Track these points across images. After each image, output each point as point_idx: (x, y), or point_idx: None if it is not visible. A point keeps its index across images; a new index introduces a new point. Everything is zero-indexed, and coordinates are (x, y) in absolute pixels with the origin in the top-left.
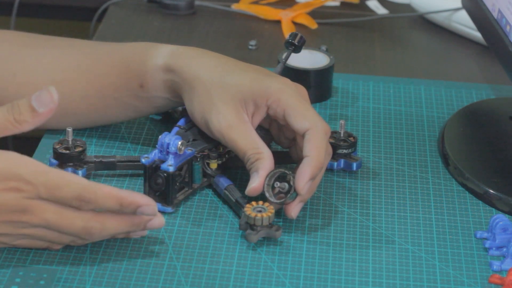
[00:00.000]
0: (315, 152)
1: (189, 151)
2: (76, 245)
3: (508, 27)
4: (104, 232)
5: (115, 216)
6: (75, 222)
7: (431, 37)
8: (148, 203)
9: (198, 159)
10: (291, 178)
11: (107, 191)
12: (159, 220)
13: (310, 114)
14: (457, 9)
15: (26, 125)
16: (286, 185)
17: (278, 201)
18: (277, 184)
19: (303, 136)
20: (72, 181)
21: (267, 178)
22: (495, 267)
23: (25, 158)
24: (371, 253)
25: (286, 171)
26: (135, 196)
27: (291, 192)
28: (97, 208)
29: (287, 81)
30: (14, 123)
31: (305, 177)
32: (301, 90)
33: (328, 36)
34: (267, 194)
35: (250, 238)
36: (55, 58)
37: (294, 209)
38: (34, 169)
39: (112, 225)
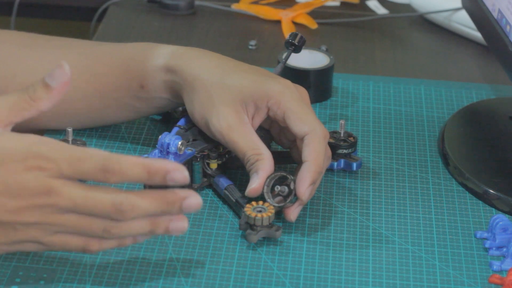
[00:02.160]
0: (314, 157)
1: (189, 151)
2: (111, 242)
3: (508, 27)
4: (136, 211)
5: (144, 192)
6: (103, 199)
7: (431, 37)
8: (176, 168)
9: (198, 159)
10: (291, 181)
11: (131, 159)
12: (195, 199)
13: (309, 118)
14: (457, 9)
15: (42, 103)
16: (286, 188)
17: (278, 204)
18: (277, 187)
19: (302, 140)
20: (94, 153)
21: (267, 181)
22: (495, 267)
23: (43, 137)
24: (371, 253)
25: (286, 174)
26: (162, 162)
27: (291, 196)
28: (123, 179)
29: (288, 83)
30: (30, 102)
31: (306, 182)
32: (302, 92)
33: (328, 36)
34: (266, 197)
35: (250, 238)
36: (55, 58)
37: (293, 212)
38: (54, 145)
39: (143, 203)
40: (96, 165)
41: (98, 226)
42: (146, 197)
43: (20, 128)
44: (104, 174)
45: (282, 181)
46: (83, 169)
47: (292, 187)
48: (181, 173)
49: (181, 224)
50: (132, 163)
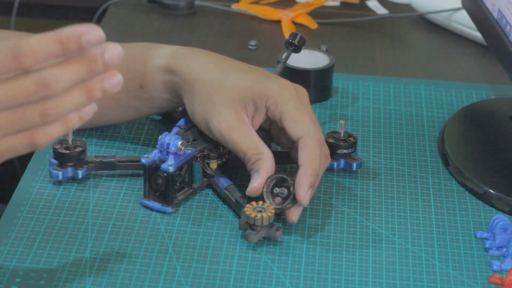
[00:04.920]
0: (309, 161)
1: (189, 151)
2: (56, 126)
3: (508, 27)
4: (62, 80)
5: (64, 61)
6: (25, 82)
7: (431, 37)
8: (89, 28)
9: (198, 159)
10: (291, 184)
11: (39, 36)
12: (113, 48)
13: (304, 120)
14: (457, 9)
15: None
16: (286, 190)
17: (278, 206)
18: (276, 189)
19: (297, 142)
20: (0, 45)
21: (267, 181)
22: (495, 267)
23: None
24: (371, 253)
25: (285, 176)
26: (72, 27)
27: (290, 199)
28: (37, 58)
29: (287, 83)
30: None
31: (304, 187)
32: (301, 92)
33: (328, 36)
34: (266, 197)
35: (250, 238)
36: None
37: (294, 213)
38: None
39: (65, 69)
40: (6, 53)
41: (32, 112)
42: (66, 63)
43: None
44: (16, 59)
45: (281, 182)
46: None
47: (291, 189)
48: (95, 32)
49: (114, 79)
50: (41, 39)
